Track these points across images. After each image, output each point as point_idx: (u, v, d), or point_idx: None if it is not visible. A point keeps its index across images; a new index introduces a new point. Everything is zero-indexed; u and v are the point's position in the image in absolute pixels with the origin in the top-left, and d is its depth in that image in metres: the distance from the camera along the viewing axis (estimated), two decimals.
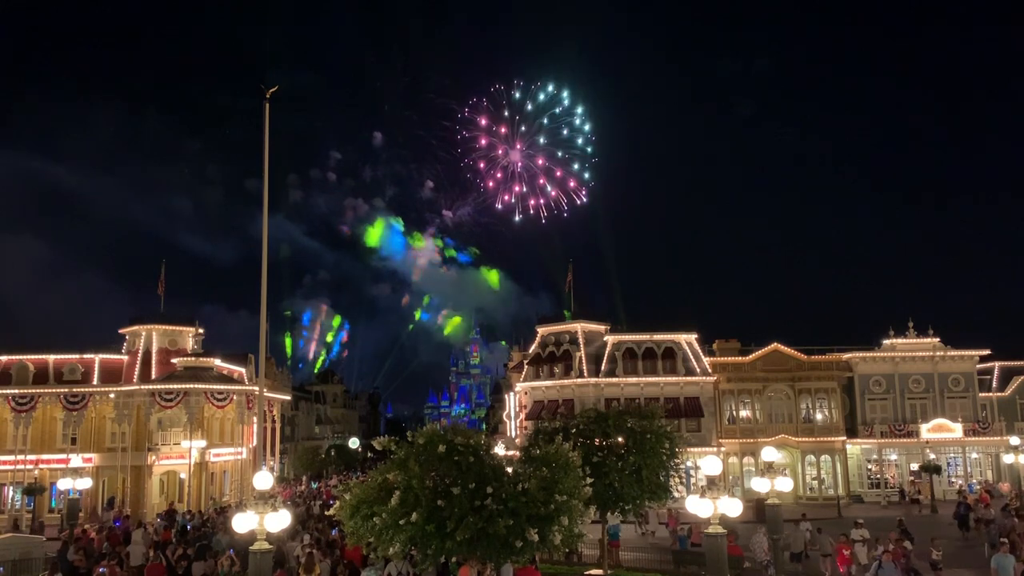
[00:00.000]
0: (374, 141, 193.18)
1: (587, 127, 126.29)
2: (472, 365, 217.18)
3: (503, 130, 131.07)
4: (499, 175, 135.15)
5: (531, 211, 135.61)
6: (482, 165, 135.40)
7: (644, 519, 35.77)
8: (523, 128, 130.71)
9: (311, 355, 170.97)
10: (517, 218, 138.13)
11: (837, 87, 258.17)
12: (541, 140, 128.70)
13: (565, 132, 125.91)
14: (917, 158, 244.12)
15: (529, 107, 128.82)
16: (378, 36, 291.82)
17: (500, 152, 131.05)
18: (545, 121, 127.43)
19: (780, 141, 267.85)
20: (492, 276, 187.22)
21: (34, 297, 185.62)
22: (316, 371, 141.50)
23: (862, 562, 24.25)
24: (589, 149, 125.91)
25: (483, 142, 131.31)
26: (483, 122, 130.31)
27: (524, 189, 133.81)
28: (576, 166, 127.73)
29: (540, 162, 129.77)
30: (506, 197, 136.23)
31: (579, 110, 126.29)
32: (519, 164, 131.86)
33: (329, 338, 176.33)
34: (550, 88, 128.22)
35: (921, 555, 24.09)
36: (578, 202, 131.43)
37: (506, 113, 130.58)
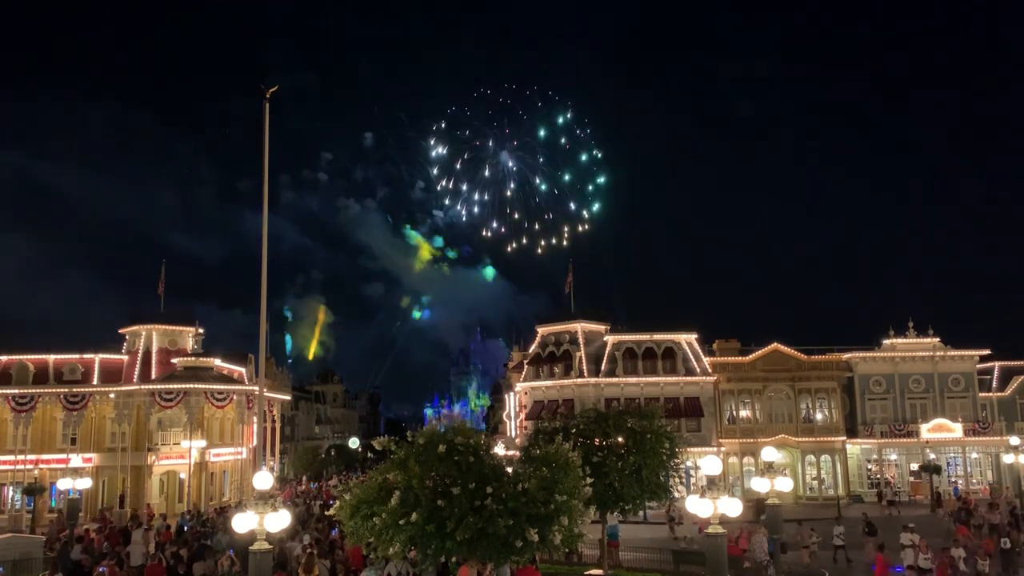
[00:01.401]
0: (364, 142, 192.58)
1: (588, 133, 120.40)
2: (472, 365, 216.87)
3: (491, 142, 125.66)
4: (486, 196, 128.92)
5: (524, 241, 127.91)
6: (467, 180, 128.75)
7: (676, 521, 35.24)
8: (516, 139, 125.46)
9: (311, 355, 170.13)
10: (510, 248, 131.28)
11: (837, 88, 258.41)
12: (540, 160, 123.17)
13: (565, 143, 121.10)
14: (917, 158, 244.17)
15: (524, 114, 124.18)
16: (371, 37, 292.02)
17: (491, 156, 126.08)
18: (541, 132, 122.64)
19: (780, 141, 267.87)
20: (487, 271, 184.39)
21: (20, 295, 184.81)
22: (298, 357, 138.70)
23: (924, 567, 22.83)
24: (594, 157, 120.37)
25: (474, 146, 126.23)
26: (470, 131, 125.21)
27: (518, 216, 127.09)
28: (578, 186, 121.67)
29: (538, 182, 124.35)
30: (494, 224, 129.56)
31: (571, 114, 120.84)
32: (512, 182, 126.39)
33: (317, 332, 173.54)
34: (549, 94, 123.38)
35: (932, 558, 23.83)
36: (580, 229, 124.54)
37: (495, 124, 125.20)
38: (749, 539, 26.14)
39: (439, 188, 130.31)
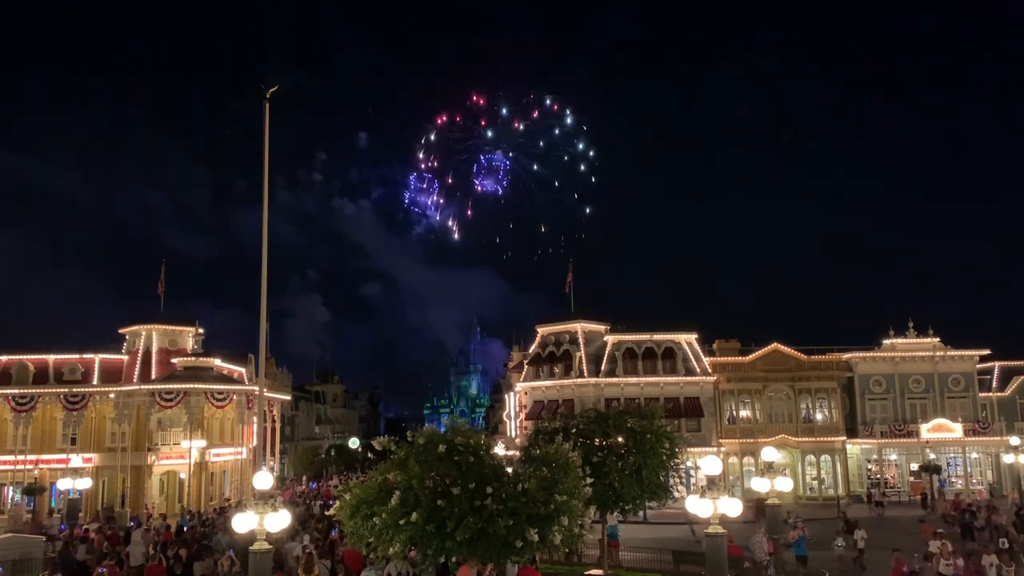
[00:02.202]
0: (359, 143, 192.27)
1: (582, 139, 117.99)
2: (472, 365, 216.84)
3: (487, 146, 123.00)
4: (480, 200, 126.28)
5: (520, 247, 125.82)
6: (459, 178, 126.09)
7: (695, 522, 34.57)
8: (512, 144, 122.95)
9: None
10: (505, 256, 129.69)
11: (837, 88, 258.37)
12: (535, 166, 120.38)
13: (558, 136, 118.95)
14: (917, 158, 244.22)
15: (519, 122, 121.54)
16: (366, 38, 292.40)
17: (486, 160, 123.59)
18: (540, 141, 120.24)
19: (780, 141, 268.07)
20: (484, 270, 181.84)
21: (18, 295, 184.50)
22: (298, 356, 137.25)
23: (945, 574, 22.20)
24: (585, 163, 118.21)
25: (469, 149, 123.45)
26: (464, 134, 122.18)
27: (513, 224, 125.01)
28: (575, 195, 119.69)
29: (534, 187, 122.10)
30: (489, 229, 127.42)
31: (570, 115, 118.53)
32: (506, 187, 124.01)
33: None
34: (546, 101, 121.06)
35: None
36: (579, 236, 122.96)
37: (490, 132, 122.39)
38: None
39: (434, 193, 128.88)
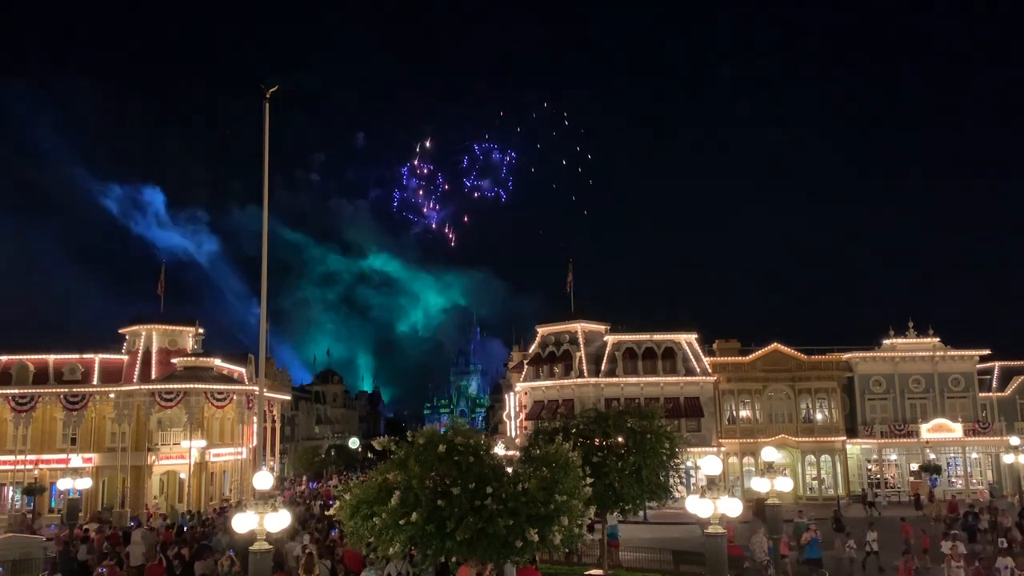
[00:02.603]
0: (358, 142, 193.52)
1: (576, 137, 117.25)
2: (472, 365, 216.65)
3: (484, 147, 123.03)
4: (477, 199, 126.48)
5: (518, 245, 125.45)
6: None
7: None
8: (510, 146, 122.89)
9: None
10: (505, 256, 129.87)
11: (837, 89, 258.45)
12: (532, 169, 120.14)
13: (557, 137, 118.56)
14: (918, 159, 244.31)
15: (518, 124, 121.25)
16: (366, 38, 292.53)
17: (483, 161, 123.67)
18: (538, 143, 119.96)
19: (780, 141, 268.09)
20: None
21: (13, 294, 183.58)
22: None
23: None
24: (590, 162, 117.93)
25: (466, 150, 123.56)
26: (463, 135, 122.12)
27: (511, 226, 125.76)
28: (573, 196, 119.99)
29: (531, 189, 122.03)
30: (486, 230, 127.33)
31: (568, 116, 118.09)
32: (508, 187, 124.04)
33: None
34: (545, 105, 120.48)
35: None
36: (577, 237, 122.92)
37: (488, 136, 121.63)
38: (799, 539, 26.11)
39: (432, 195, 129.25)
